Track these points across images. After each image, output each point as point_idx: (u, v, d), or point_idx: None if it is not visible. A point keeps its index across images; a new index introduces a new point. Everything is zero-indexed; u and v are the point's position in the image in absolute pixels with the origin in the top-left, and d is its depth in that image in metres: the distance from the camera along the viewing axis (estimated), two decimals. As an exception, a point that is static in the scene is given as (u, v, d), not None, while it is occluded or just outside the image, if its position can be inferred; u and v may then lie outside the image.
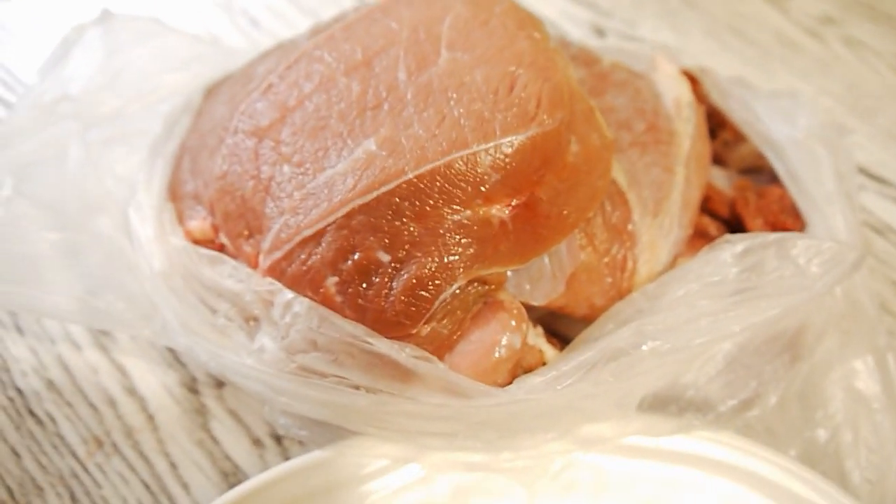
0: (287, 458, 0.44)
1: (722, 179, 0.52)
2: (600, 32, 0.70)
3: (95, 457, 0.43)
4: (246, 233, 0.40)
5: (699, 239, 0.48)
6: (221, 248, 0.42)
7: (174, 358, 0.47)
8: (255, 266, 0.39)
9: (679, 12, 0.73)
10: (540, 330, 0.43)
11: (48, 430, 0.44)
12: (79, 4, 0.67)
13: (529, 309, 0.41)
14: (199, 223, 0.42)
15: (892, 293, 0.55)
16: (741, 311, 0.38)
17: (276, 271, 0.38)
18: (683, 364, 0.40)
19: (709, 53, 0.70)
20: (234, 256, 0.41)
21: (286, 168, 0.39)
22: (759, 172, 0.52)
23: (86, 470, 0.43)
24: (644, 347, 0.37)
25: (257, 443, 0.44)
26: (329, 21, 0.43)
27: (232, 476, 0.43)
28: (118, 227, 0.44)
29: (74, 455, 0.43)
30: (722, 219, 0.50)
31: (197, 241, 0.42)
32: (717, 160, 0.53)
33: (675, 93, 0.48)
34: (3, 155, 0.46)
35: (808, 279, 0.39)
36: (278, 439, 0.45)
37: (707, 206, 0.50)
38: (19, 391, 0.46)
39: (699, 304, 0.39)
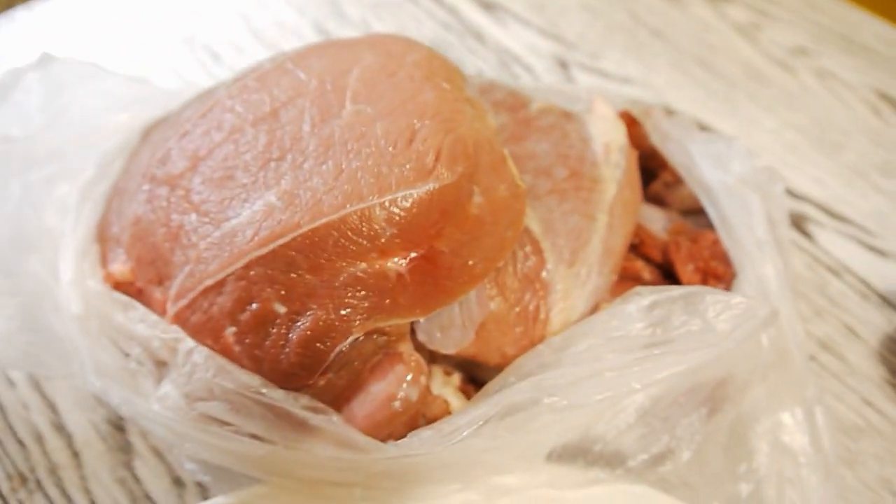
0: (205, 499, 0.44)
1: (661, 220, 0.51)
2: (563, 65, 0.70)
3: (18, 493, 0.44)
4: (157, 279, 0.41)
5: (631, 282, 0.48)
6: (140, 292, 0.42)
7: (103, 395, 0.48)
8: (163, 313, 0.40)
9: (646, 44, 0.72)
10: (456, 378, 0.43)
11: (-26, 465, 0.45)
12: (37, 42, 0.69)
13: (446, 356, 0.41)
14: (120, 266, 0.43)
15: (843, 336, 0.54)
16: (645, 367, 0.38)
17: (181, 319, 0.39)
18: (588, 418, 0.40)
19: (674, 86, 0.69)
20: (147, 301, 0.41)
21: (194, 217, 0.40)
22: (700, 214, 0.52)
23: (8, 506, 0.44)
24: (542, 402, 0.37)
25: (178, 482, 0.45)
26: (248, 69, 0.44)
27: (150, 515, 0.44)
28: (48, 266, 0.45)
29: (-3, 491, 0.44)
30: (655, 263, 0.49)
31: (118, 284, 0.43)
32: (658, 201, 0.53)
33: (606, 137, 0.47)
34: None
35: (715, 335, 0.39)
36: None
37: (640, 251, 0.49)
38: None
39: (604, 359, 0.39)
